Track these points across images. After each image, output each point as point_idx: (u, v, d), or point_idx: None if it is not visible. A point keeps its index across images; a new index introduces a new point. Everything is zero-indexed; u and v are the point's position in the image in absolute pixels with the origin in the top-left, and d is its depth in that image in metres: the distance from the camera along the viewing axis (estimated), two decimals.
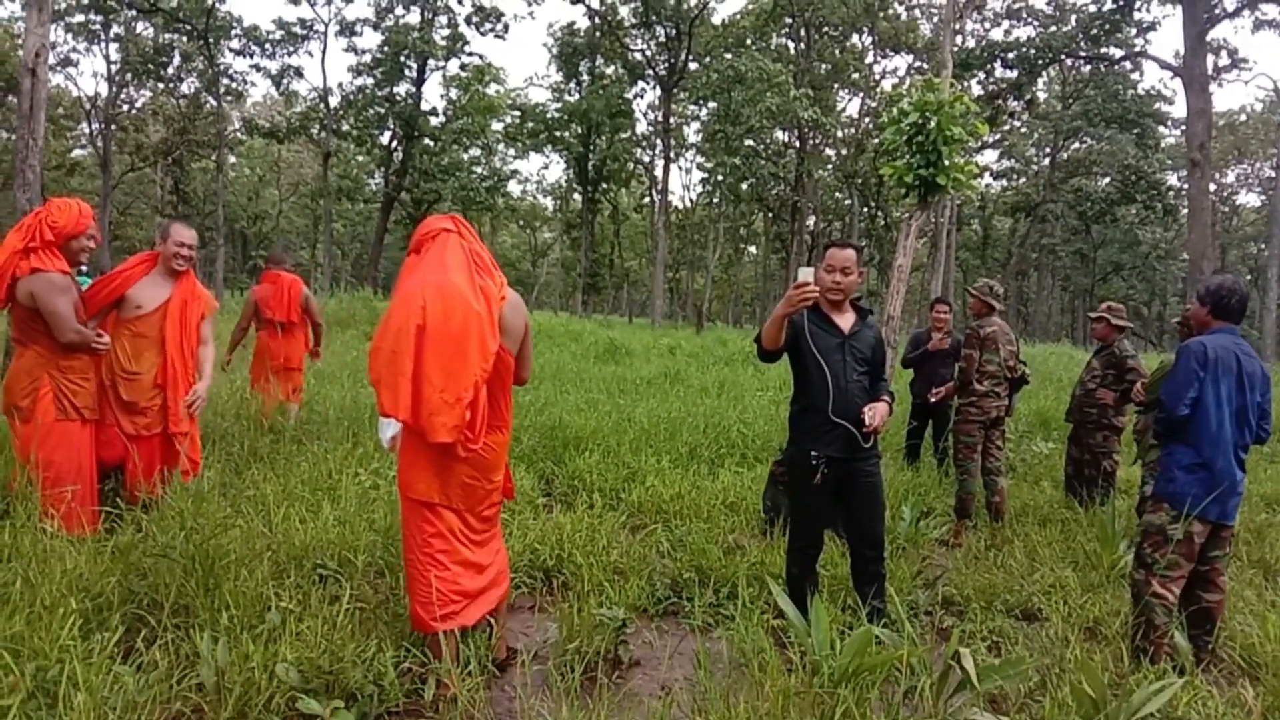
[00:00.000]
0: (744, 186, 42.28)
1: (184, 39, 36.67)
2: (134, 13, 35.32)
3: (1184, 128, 26.03)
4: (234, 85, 38.95)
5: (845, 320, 4.03)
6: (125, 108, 41.81)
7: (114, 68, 38.27)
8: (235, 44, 37.01)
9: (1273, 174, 40.40)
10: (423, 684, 3.27)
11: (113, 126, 39.58)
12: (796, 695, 3.08)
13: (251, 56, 37.53)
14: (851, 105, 46.85)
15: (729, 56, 35.64)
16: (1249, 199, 59.78)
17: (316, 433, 6.64)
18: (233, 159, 53.06)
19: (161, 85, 40.48)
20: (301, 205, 58.92)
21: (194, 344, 4.91)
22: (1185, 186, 28.97)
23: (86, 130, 42.61)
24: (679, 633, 4.26)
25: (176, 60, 38.49)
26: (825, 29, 40.87)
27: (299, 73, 38.61)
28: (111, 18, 36.20)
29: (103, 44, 37.77)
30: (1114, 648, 4.09)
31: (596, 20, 40.24)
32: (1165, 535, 3.99)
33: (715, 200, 47.86)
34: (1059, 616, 4.34)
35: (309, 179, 55.69)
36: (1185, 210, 27.73)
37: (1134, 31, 30.83)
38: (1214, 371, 3.95)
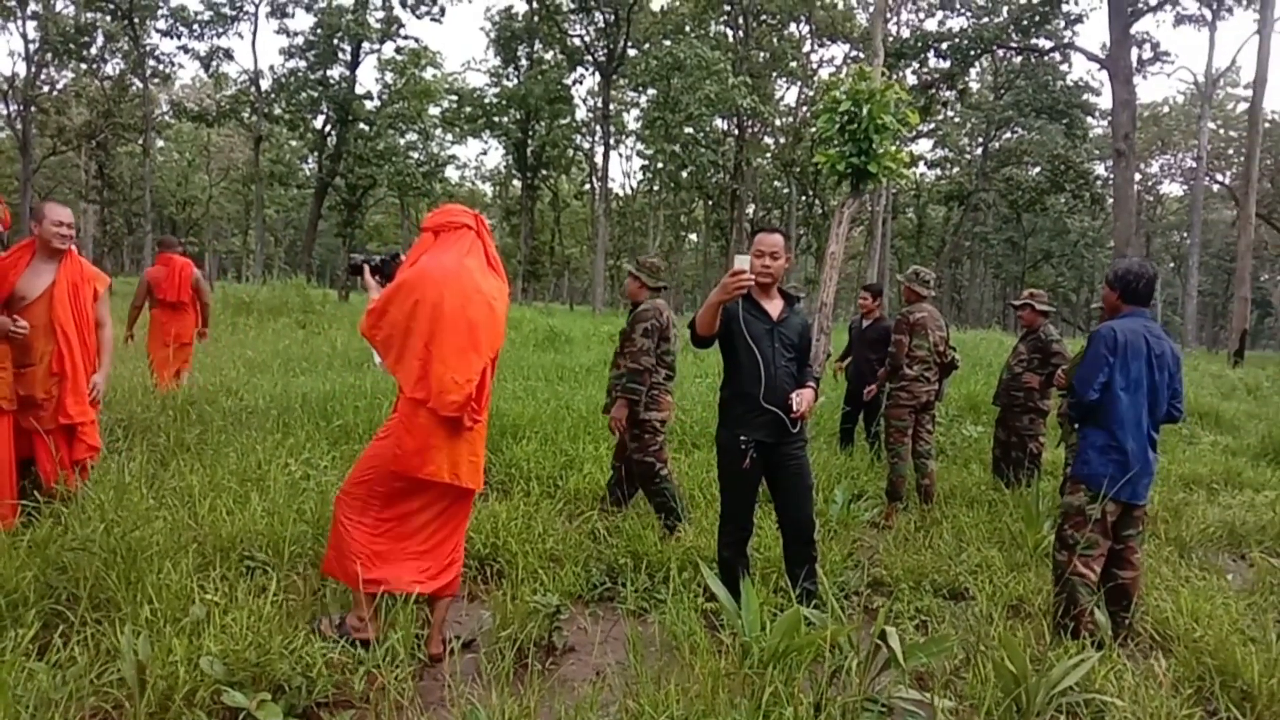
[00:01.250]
0: (684, 174, 42.29)
1: (107, 18, 35.46)
2: None
3: (1110, 119, 26.71)
4: (161, 67, 37.75)
5: (774, 306, 4.08)
6: (46, 89, 40.27)
7: (32, 46, 36.82)
8: (162, 24, 35.87)
9: (1194, 165, 41.70)
10: (352, 675, 3.24)
11: (32, 108, 38.09)
12: (726, 676, 3.12)
13: (179, 37, 36.37)
14: (789, 94, 47.21)
15: (668, 43, 35.58)
16: (1172, 189, 61.85)
17: (245, 422, 6.51)
18: (160, 143, 51.51)
19: (84, 66, 39.05)
20: (232, 190, 57.47)
21: (91, 328, 4.70)
22: (1111, 176, 29.78)
23: (4, 112, 40.96)
24: (613, 618, 4.28)
25: (100, 40, 37.19)
26: (763, 17, 41.06)
27: (229, 55, 37.57)
28: None
29: (19, 21, 36.26)
30: (1036, 624, 4.20)
31: (535, 4, 39.85)
32: (1085, 515, 4.11)
33: (655, 188, 47.83)
34: (984, 595, 4.44)
35: (240, 164, 54.36)
36: (1112, 199, 28.49)
37: (1063, 24, 31.56)
38: (1124, 356, 4.05)
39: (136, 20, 33.93)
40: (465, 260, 3.47)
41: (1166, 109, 55.80)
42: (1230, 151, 52.50)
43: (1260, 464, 9.10)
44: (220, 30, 36.48)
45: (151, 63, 36.83)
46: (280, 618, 3.41)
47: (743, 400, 3.97)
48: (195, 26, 35.95)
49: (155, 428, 5.98)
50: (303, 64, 36.76)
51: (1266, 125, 26.80)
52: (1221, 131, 52.25)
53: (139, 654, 2.96)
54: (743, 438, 3.94)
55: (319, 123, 38.50)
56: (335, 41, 35.88)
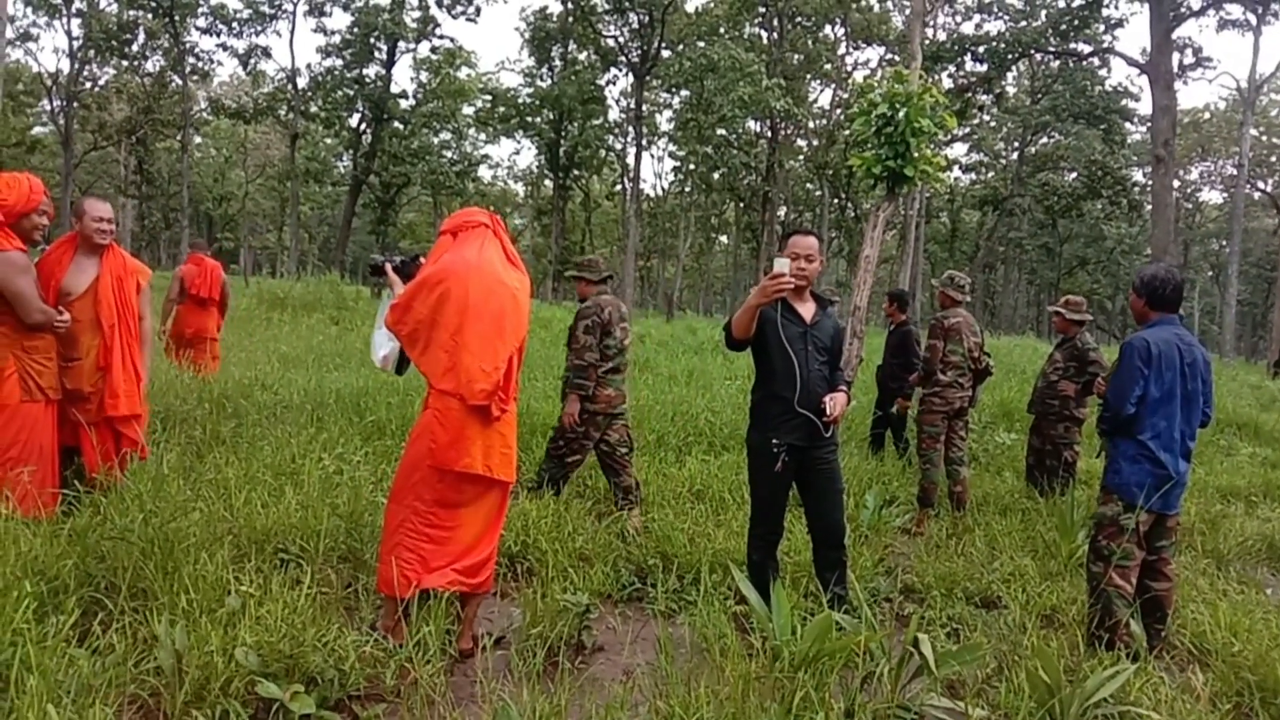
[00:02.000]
0: (716, 176, 42.21)
1: (149, 16, 35.92)
2: None
3: (1149, 124, 26.34)
4: (200, 64, 38.27)
5: (807, 309, 4.06)
6: (88, 85, 40.84)
7: (76, 43, 37.39)
8: (202, 22, 36.31)
9: (1235, 172, 41.04)
10: (384, 669, 3.26)
11: (74, 104, 38.67)
12: (756, 680, 3.11)
13: (218, 35, 36.81)
14: (823, 96, 46.95)
15: (702, 45, 35.47)
16: (1211, 196, 60.74)
17: (280, 416, 6.58)
18: (198, 139, 52.15)
19: (125, 63, 39.59)
20: (268, 187, 58.09)
21: (136, 321, 4.78)
22: (1150, 182, 29.34)
23: (47, 107, 41.70)
24: (642, 618, 4.28)
25: (141, 37, 37.70)
26: (798, 19, 40.86)
27: (267, 53, 37.98)
28: None
29: (64, 18, 36.84)
30: (1070, 635, 4.16)
31: (569, 5, 39.92)
32: (1119, 526, 4.05)
33: (687, 189, 47.74)
34: (1017, 604, 4.40)
35: (276, 161, 54.89)
36: (1149, 206, 28.09)
37: (1102, 28, 31.12)
38: (1158, 367, 3.99)
39: (177, 18, 34.38)
40: (484, 253, 3.56)
41: (1207, 115, 54.90)
42: (1273, 159, 51.61)
43: None
44: (259, 28, 36.88)
45: (191, 60, 37.33)
46: (314, 611, 3.44)
47: (777, 403, 3.95)
48: (234, 24, 36.36)
49: (192, 420, 6.06)
50: (339, 62, 37.07)
51: None
52: (1264, 138, 51.34)
53: (176, 643, 3.00)
54: (775, 441, 3.92)
55: (354, 121, 38.80)
56: (372, 40, 36.14)
